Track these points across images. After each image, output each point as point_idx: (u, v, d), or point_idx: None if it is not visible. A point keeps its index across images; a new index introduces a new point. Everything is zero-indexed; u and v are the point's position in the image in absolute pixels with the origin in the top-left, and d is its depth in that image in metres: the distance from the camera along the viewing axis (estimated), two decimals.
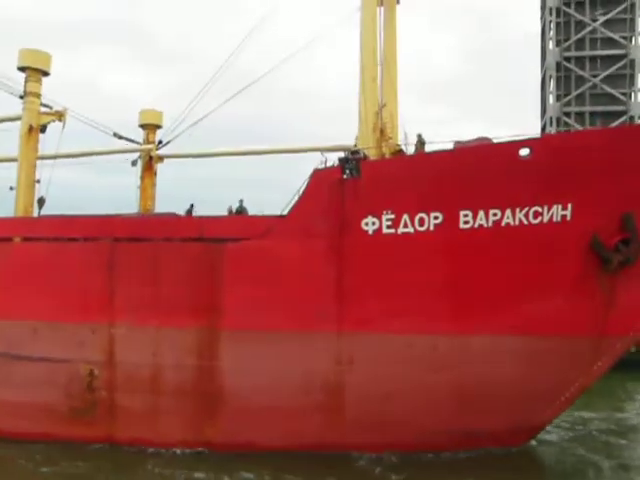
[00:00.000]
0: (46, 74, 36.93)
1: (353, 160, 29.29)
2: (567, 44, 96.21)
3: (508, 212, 28.89)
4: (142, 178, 43.09)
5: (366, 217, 29.20)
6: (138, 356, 30.55)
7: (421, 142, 30.70)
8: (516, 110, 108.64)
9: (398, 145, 34.50)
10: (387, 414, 29.67)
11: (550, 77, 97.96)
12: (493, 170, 28.60)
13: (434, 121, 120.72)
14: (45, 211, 36.50)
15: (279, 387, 29.78)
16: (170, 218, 31.67)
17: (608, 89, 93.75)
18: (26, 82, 36.64)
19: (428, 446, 29.77)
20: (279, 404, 29.69)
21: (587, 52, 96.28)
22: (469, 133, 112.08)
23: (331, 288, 29.81)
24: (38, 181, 36.26)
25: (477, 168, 28.69)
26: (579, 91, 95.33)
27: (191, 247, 30.30)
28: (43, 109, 37.11)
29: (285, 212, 30.41)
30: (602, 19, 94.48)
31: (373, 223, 29.21)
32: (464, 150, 29.15)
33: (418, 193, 28.95)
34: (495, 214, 28.96)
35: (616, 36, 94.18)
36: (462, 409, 29.59)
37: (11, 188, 36.69)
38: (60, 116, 36.71)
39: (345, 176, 29.31)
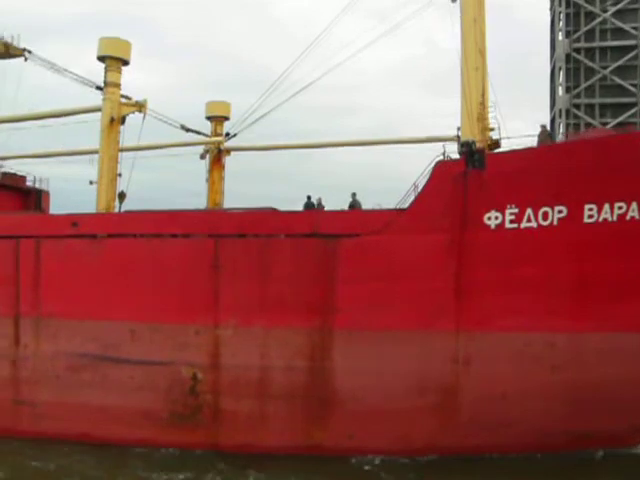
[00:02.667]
0: (126, 63, 34.07)
1: (478, 152, 26.75)
2: (577, 35, 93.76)
3: (634, 205, 26.53)
4: (210, 171, 40.28)
5: (489, 211, 26.87)
6: (245, 358, 27.96)
7: (548, 134, 28.19)
8: (525, 103, 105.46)
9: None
10: (502, 415, 27.30)
11: (559, 69, 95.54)
12: (623, 162, 26.26)
13: (439, 114, 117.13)
14: (125, 206, 33.61)
15: (393, 388, 27.33)
16: (282, 213, 28.94)
17: (618, 81, 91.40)
18: (106, 72, 33.92)
19: (543, 447, 27.46)
20: (392, 406, 27.26)
21: (597, 43, 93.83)
22: None
23: (450, 285, 27.46)
24: (120, 175, 33.30)
25: (605, 160, 26.38)
26: (589, 83, 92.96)
27: (304, 243, 27.62)
28: (123, 100, 34.06)
29: (401, 206, 27.77)
30: (612, 9, 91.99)
31: (496, 217, 26.90)
32: (595, 141, 26.83)
33: (544, 186, 26.71)
34: (620, 207, 26.63)
35: (627, 27, 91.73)
36: (580, 409, 27.22)
37: (91, 182, 33.85)
38: (141, 107, 33.96)
39: (469, 169, 26.69)
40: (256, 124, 36.42)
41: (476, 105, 30.32)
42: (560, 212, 26.78)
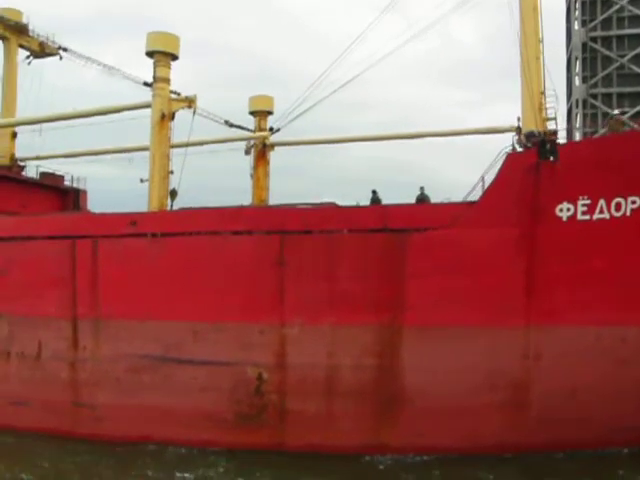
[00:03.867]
0: (175, 58, 32.73)
1: (550, 142, 25.52)
2: (593, 24, 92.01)
3: None
4: (255, 167, 39.03)
5: (561, 203, 25.72)
6: (312, 357, 26.75)
7: (620, 122, 26.92)
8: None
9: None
10: (572, 411, 26.09)
11: (576, 58, 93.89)
12: None
13: (454, 104, 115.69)
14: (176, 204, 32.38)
15: (462, 385, 26.12)
16: (350, 208, 27.73)
17: (636, 69, 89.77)
18: (155, 67, 32.60)
19: (613, 443, 26.32)
20: (461, 403, 26.11)
21: (614, 31, 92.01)
22: (496, 117, 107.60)
23: (520, 279, 26.31)
24: (172, 172, 32.06)
25: None
26: (606, 72, 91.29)
27: (372, 239, 26.39)
28: (172, 96, 32.82)
29: (470, 198, 26.58)
30: None
31: (568, 209, 25.72)
32: None
33: (617, 176, 25.47)
34: None
35: None
36: None
37: (142, 180, 32.60)
38: (190, 102, 32.69)
39: (541, 160, 25.45)
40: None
41: (537, 95, 29.13)
42: (633, 202, 25.68)
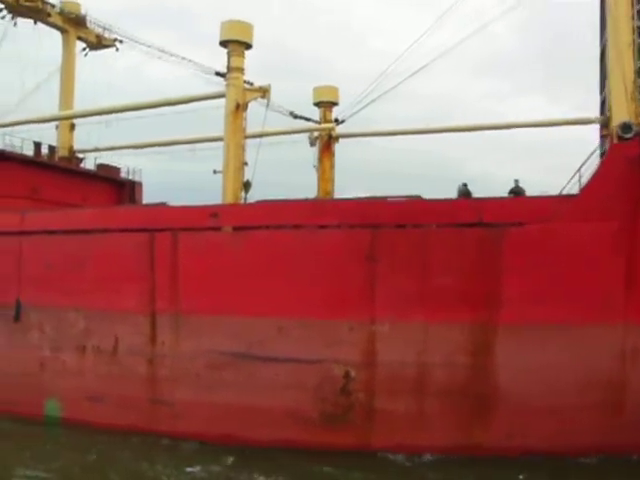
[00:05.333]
0: (249, 47, 30.96)
1: None
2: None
3: None
4: (320, 159, 37.24)
5: None
6: (402, 355, 24.96)
7: None
8: (572, 85, 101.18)
9: None
10: None
11: None
12: None
13: (482, 95, 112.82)
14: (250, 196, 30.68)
15: (557, 385, 24.29)
16: (445, 201, 25.85)
17: None
18: (229, 56, 30.94)
19: None
20: (556, 403, 24.25)
21: None
22: (527, 109, 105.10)
23: (620, 275, 24.41)
24: (246, 163, 30.35)
25: None
26: None
27: (467, 233, 24.55)
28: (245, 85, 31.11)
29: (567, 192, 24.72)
30: None
31: None
32: None
33: None
34: None
35: None
36: None
37: (215, 172, 30.91)
38: (264, 92, 30.95)
39: None
40: None
41: (630, 84, 27.01)
42: None
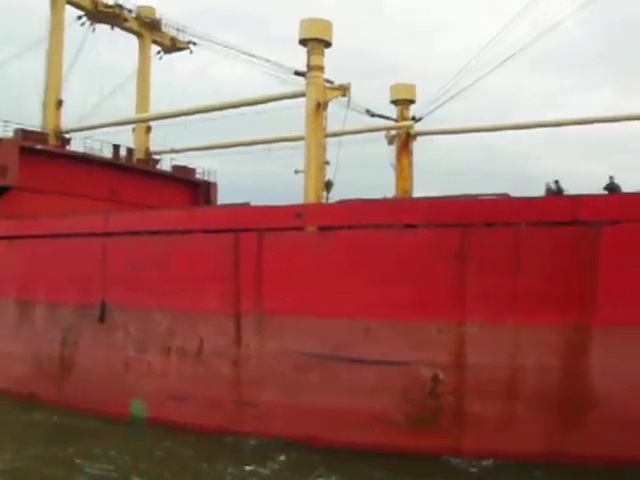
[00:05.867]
0: (328, 45, 30.36)
1: None
2: None
3: None
4: (398, 158, 36.44)
5: None
6: (492, 357, 23.98)
7: None
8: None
9: None
10: None
11: None
12: None
13: (544, 92, 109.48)
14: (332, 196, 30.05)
15: None
16: (537, 199, 24.85)
17: None
18: (309, 55, 30.40)
19: None
20: None
21: None
22: (594, 104, 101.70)
23: None
24: (327, 163, 29.74)
25: None
26: None
27: (560, 232, 23.49)
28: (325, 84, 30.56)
29: None
30: None
31: None
32: None
33: None
34: None
35: None
36: None
37: (296, 172, 30.43)
38: (345, 90, 30.32)
39: None
40: None
41: None
42: None
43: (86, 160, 41.30)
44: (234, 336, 27.17)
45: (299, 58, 31.47)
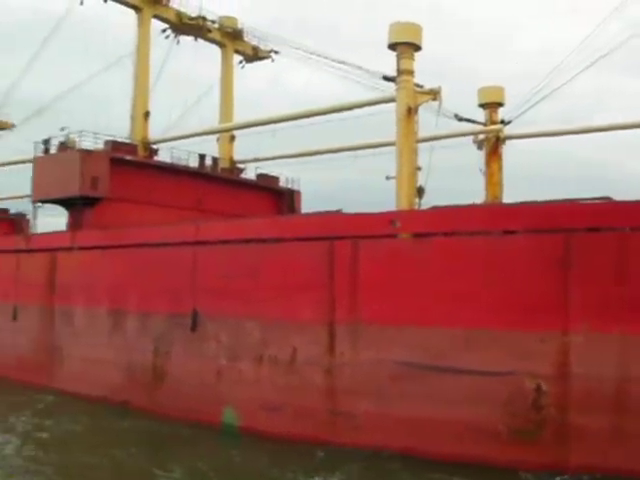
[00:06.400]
0: (418, 48, 29.57)
1: None
2: None
3: None
4: (487, 162, 35.36)
5: None
6: (599, 368, 22.69)
7: None
8: None
9: None
10: None
11: None
12: None
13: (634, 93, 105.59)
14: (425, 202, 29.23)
15: None
16: None
17: None
18: (399, 59, 29.63)
19: None
20: None
21: None
22: None
23: None
24: (419, 168, 28.93)
25: None
26: None
27: None
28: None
29: None
30: None
31: None
32: None
33: None
34: None
35: None
36: None
37: (387, 178, 29.73)
38: (435, 95, 29.48)
39: None
40: None
41: None
42: None
43: (173, 170, 41.52)
44: (328, 345, 26.60)
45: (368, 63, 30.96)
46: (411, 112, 29.22)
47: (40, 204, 41.14)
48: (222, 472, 23.95)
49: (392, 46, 30.02)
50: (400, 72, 29.77)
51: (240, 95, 48.74)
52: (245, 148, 47.27)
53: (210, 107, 48.33)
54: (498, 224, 24.16)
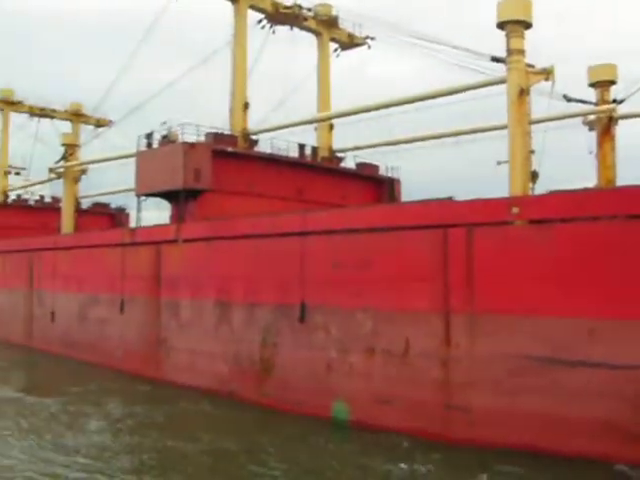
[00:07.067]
0: (529, 26, 28.05)
1: None
2: None
3: None
4: (599, 144, 33.47)
5: None
6: None
7: None
8: None
9: None
10: None
11: None
12: None
13: None
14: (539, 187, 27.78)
15: None
16: None
17: None
18: (508, 38, 28.07)
19: None
20: None
21: None
22: None
23: None
24: (532, 152, 27.48)
25: None
26: None
27: None
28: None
29: None
30: None
31: None
32: None
33: None
34: None
35: None
36: None
37: (499, 163, 28.38)
38: (548, 75, 27.89)
39: None
40: None
41: None
42: None
43: (273, 160, 41.14)
44: (443, 336, 25.57)
45: None
46: (523, 93, 27.78)
47: (144, 197, 41.30)
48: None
49: (500, 25, 28.55)
50: (510, 52, 28.37)
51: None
52: (343, 137, 46.54)
53: (307, 96, 47.76)
54: (623, 208, 22.56)
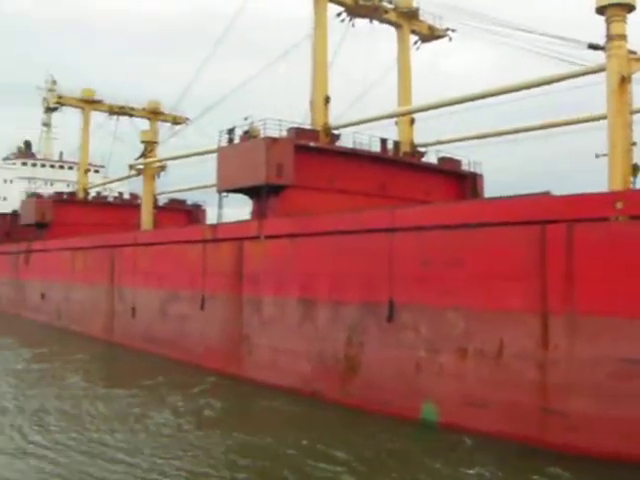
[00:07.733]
0: (632, 9, 26.47)
1: None
2: None
3: None
4: None
5: None
6: None
7: None
8: None
9: None
10: None
11: None
12: None
13: None
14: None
15: None
16: None
17: None
18: (609, 23, 26.51)
19: None
20: None
21: None
22: None
23: None
24: (634, 144, 25.93)
25: None
26: None
27: None
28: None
29: None
30: None
31: None
32: None
33: None
34: None
35: None
36: None
37: (597, 155, 26.90)
38: None
39: None
40: None
41: None
42: None
43: (355, 155, 40.34)
44: (540, 337, 24.34)
45: None
46: (625, 82, 26.27)
47: (225, 194, 41.03)
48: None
49: (600, 10, 27.06)
50: (610, 38, 26.87)
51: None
52: (424, 131, 45.49)
53: (384, 90, 46.81)
54: None
